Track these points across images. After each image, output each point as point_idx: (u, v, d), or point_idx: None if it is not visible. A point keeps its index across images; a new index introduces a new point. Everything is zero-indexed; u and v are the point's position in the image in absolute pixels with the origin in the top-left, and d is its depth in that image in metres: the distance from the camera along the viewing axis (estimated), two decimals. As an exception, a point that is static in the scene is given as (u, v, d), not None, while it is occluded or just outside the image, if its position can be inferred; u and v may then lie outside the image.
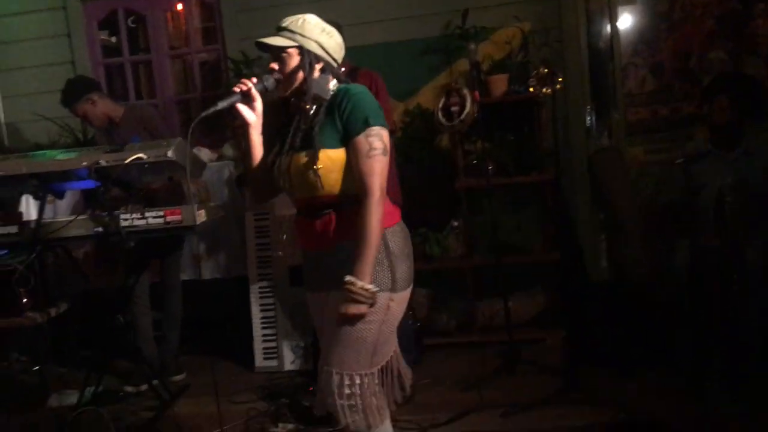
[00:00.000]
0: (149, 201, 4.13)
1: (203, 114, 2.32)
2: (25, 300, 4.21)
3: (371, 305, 2.21)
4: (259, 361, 4.55)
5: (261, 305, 4.57)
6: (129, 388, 4.30)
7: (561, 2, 4.80)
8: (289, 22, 2.33)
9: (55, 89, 4.39)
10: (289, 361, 4.49)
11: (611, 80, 5.00)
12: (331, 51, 2.36)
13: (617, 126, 5.01)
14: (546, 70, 3.84)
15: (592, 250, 4.90)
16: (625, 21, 4.94)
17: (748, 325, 3.62)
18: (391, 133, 3.83)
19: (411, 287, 2.41)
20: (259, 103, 2.36)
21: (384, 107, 3.72)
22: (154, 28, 5.45)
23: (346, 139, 2.25)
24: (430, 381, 4.07)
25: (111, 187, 3.52)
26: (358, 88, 2.33)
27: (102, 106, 4.30)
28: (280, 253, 4.50)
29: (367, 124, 2.23)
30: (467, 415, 3.58)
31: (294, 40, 2.30)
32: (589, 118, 4.89)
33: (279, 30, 2.33)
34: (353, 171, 2.25)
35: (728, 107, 3.87)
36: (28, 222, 3.52)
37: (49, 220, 3.51)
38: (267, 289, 4.57)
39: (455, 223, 4.78)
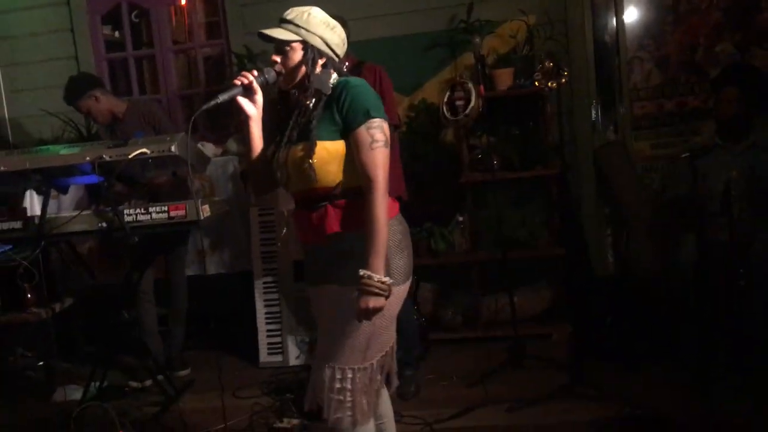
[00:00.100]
0: (153, 196, 4.13)
1: (204, 107, 2.32)
2: (29, 295, 4.23)
3: (387, 297, 2.20)
4: (264, 356, 4.55)
5: (265, 300, 4.57)
6: (134, 384, 4.30)
7: (566, -5, 4.78)
8: (294, 14, 2.31)
9: (58, 84, 4.39)
10: (294, 356, 4.48)
11: (617, 74, 4.97)
12: (334, 46, 2.34)
13: (623, 120, 4.99)
14: (551, 64, 3.81)
15: (597, 244, 4.89)
16: (631, 14, 4.91)
17: (753, 319, 3.61)
18: (396, 127, 3.85)
19: (409, 282, 2.39)
20: (259, 96, 2.35)
21: (389, 101, 3.75)
22: (157, 22, 5.44)
23: (347, 132, 2.24)
24: (436, 376, 4.07)
25: (115, 182, 3.52)
26: (357, 81, 2.32)
27: (105, 103, 4.30)
28: (278, 243, 4.47)
29: (368, 116, 2.22)
30: (472, 410, 3.57)
31: (298, 35, 2.29)
32: (594, 112, 4.86)
33: (283, 22, 2.31)
34: (355, 163, 2.24)
35: (736, 99, 3.85)
36: (32, 217, 3.52)
37: (53, 216, 3.50)
38: (271, 285, 4.57)
39: (460, 218, 4.77)
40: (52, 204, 3.62)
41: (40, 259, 3.44)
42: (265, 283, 4.57)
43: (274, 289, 4.56)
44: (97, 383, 3.91)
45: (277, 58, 2.31)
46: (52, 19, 5.42)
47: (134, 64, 5.56)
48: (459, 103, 4.48)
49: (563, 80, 3.81)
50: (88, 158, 3.32)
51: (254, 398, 3.96)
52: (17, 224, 3.49)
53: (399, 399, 3.79)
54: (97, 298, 3.96)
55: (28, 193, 4.67)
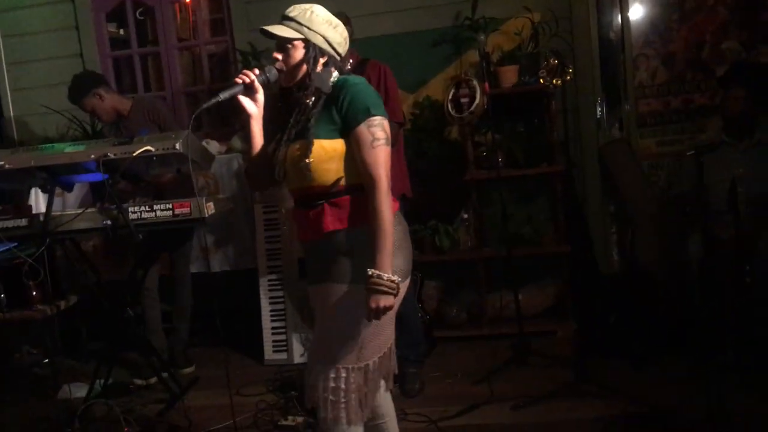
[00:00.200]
0: (158, 193, 4.13)
1: (204, 105, 2.32)
2: (34, 293, 4.25)
3: (396, 295, 2.19)
4: (269, 353, 4.55)
5: (270, 298, 4.57)
6: (138, 381, 4.31)
7: (571, -8, 4.77)
8: (296, 12, 2.30)
9: (63, 82, 4.40)
10: (299, 353, 4.48)
11: (622, 71, 4.95)
12: (336, 45, 2.34)
13: (628, 117, 4.97)
14: (556, 61, 3.80)
15: (602, 242, 4.88)
16: (636, 11, 4.89)
17: (759, 316, 3.60)
18: (401, 125, 3.85)
19: (407, 281, 2.37)
20: (260, 95, 2.35)
21: (393, 99, 3.75)
22: (162, 20, 5.44)
23: (347, 130, 2.23)
24: (440, 374, 4.07)
25: (119, 179, 3.52)
26: (357, 80, 2.31)
27: (109, 101, 4.30)
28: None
29: (368, 114, 2.21)
30: (477, 408, 3.57)
31: (300, 33, 2.28)
32: (599, 109, 4.85)
33: (286, 19, 2.30)
34: (356, 162, 2.23)
35: (743, 98, 3.84)
36: (37, 215, 3.52)
37: (58, 213, 3.50)
38: (276, 282, 4.57)
39: (465, 216, 4.77)
40: (56, 201, 3.62)
41: (45, 256, 3.44)
42: (269, 280, 4.57)
43: (279, 287, 4.56)
44: (102, 380, 3.92)
45: (279, 56, 2.31)
46: (57, 17, 5.43)
47: (139, 61, 5.56)
48: (464, 100, 4.47)
49: (568, 77, 3.80)
50: (92, 156, 3.32)
51: (259, 396, 3.96)
52: (22, 222, 3.49)
53: (403, 396, 3.80)
54: (102, 295, 3.96)
55: (33, 190, 4.69)
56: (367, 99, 2.24)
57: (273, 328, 4.55)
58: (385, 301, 2.16)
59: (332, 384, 2.27)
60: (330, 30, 2.32)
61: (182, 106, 5.50)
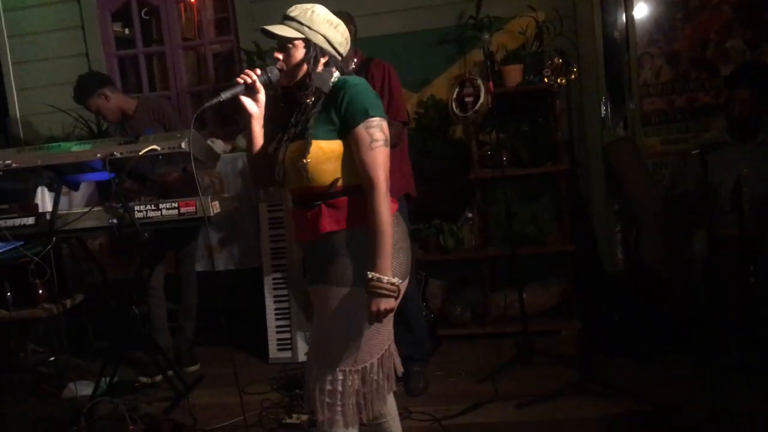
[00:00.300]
0: (163, 192, 4.15)
1: (206, 104, 2.33)
2: (40, 291, 4.26)
3: (397, 298, 2.20)
4: (273, 352, 4.56)
5: (275, 296, 4.58)
6: (144, 379, 4.32)
7: (575, -9, 4.77)
8: (297, 12, 2.30)
9: (69, 81, 4.41)
10: (303, 352, 4.48)
11: (626, 70, 4.95)
12: (336, 45, 2.33)
13: (633, 116, 4.97)
14: (560, 60, 3.80)
15: (607, 240, 4.88)
16: (641, 10, 4.89)
17: (764, 316, 3.60)
18: (405, 124, 3.85)
19: (406, 282, 2.35)
20: (262, 95, 2.35)
21: (397, 98, 3.75)
22: (167, 19, 5.45)
23: (345, 131, 2.23)
24: (444, 372, 4.08)
25: (125, 178, 3.53)
26: (356, 80, 2.31)
27: (115, 100, 4.31)
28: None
29: (366, 115, 2.20)
30: (481, 407, 3.57)
31: (301, 32, 2.28)
32: (604, 108, 4.85)
33: (287, 19, 2.30)
34: (355, 163, 2.23)
35: (748, 99, 3.83)
36: (44, 213, 3.53)
37: (65, 212, 3.52)
38: (281, 281, 4.58)
39: (469, 215, 4.77)
40: (63, 200, 3.63)
41: (51, 255, 3.45)
42: (274, 279, 4.58)
43: (284, 285, 4.57)
44: (108, 379, 3.94)
45: (280, 55, 2.31)
46: (63, 17, 5.44)
47: (144, 60, 5.58)
48: (468, 99, 4.47)
49: (572, 76, 3.79)
50: (99, 155, 3.33)
51: (264, 394, 3.97)
52: (29, 220, 3.50)
53: (408, 395, 3.80)
54: (108, 294, 3.97)
55: (39, 189, 4.70)
56: (366, 100, 2.23)
57: (277, 326, 4.56)
58: (386, 303, 2.17)
59: (329, 386, 2.27)
60: (331, 30, 2.32)
61: (187, 106, 5.51)
